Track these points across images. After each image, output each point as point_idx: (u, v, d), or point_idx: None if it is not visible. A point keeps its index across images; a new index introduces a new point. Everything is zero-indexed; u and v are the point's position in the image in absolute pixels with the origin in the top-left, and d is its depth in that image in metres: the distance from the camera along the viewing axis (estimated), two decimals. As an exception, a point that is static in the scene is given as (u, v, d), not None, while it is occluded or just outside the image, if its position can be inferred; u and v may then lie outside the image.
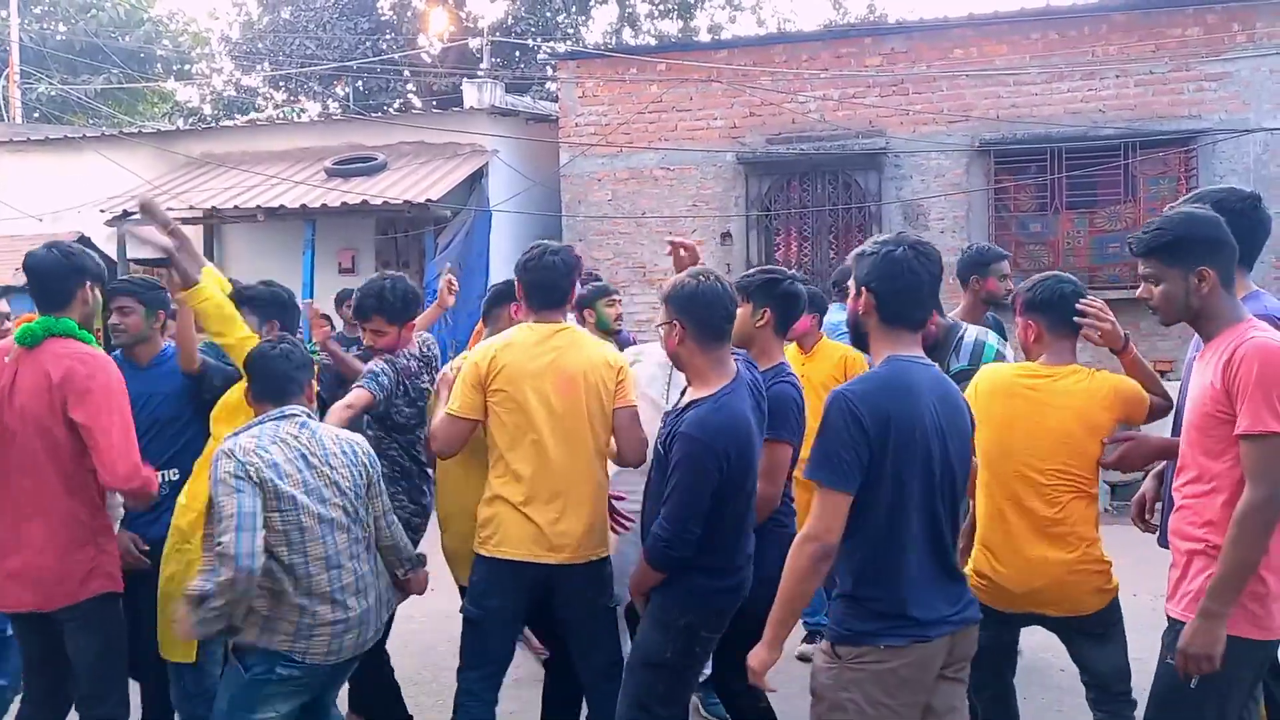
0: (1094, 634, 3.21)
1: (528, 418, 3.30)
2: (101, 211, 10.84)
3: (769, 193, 10.64)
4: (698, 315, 3.00)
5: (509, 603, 3.36)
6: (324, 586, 2.96)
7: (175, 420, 3.66)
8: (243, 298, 3.82)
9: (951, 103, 10.01)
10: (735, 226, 10.65)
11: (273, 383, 3.09)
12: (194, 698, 3.46)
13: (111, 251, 10.69)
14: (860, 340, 2.68)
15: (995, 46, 9.96)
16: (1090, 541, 3.15)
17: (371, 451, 3.22)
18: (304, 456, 2.99)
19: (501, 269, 10.76)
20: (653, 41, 19.05)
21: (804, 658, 4.63)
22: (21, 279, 9.64)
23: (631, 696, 3.09)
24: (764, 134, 10.57)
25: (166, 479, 3.47)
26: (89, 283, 3.26)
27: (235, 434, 3.02)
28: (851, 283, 2.63)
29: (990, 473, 3.21)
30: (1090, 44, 9.69)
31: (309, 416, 3.10)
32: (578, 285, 3.64)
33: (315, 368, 3.42)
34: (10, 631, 3.41)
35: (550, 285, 3.43)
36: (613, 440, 3.42)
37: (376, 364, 3.88)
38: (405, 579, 3.32)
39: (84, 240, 11.22)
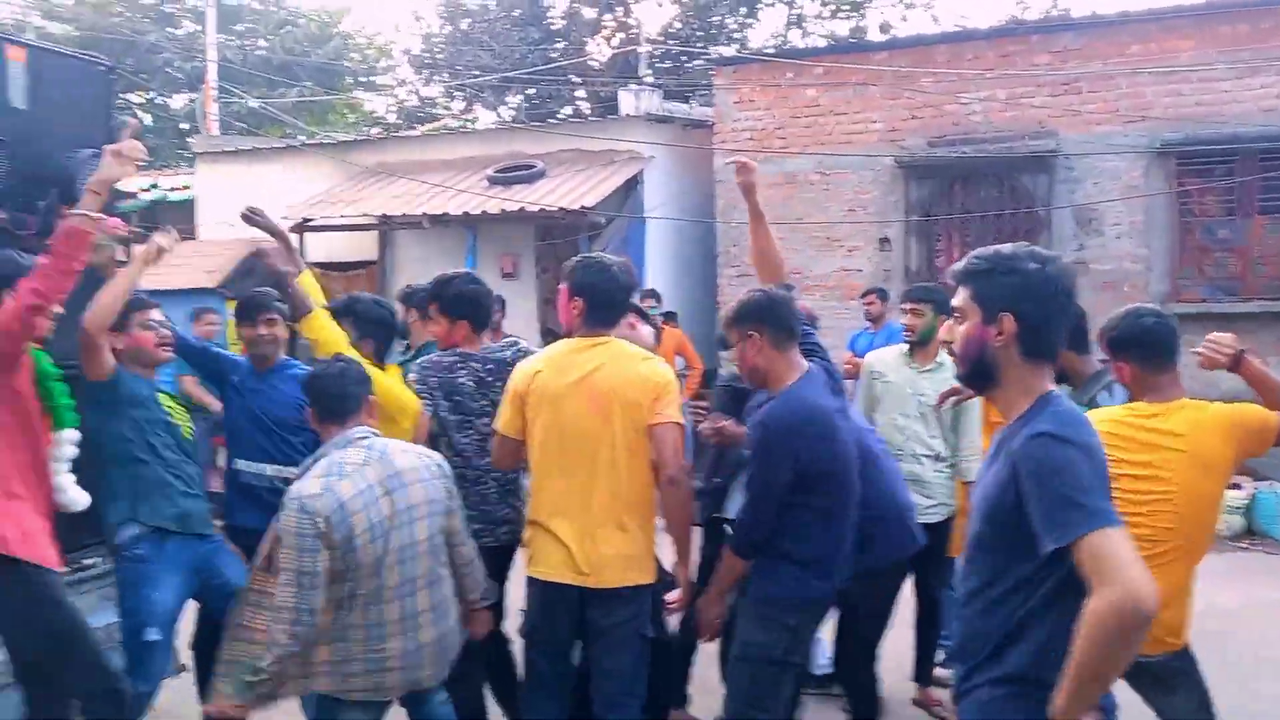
0: (1162, 681, 2.97)
1: (558, 437, 3.22)
2: (284, 219, 11.51)
3: (929, 197, 10.28)
4: (775, 321, 3.20)
5: (549, 623, 3.33)
6: (395, 616, 2.94)
7: (292, 422, 3.86)
8: (350, 309, 3.94)
9: (1129, 101, 9.41)
10: (894, 232, 10.34)
11: (330, 403, 3.04)
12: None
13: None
14: (981, 374, 2.15)
15: (1179, 41, 9.29)
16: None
17: (446, 466, 3.19)
18: (374, 486, 2.92)
19: (655, 275, 10.84)
20: (821, 43, 18.76)
21: (941, 683, 4.51)
22: (214, 281, 10.32)
23: (743, 695, 3.22)
24: (925, 136, 10.23)
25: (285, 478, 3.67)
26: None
27: (303, 474, 2.99)
28: (969, 302, 2.13)
29: None
30: (1286, 36, 8.92)
31: (374, 434, 3.06)
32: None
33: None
34: (154, 636, 3.54)
35: (608, 300, 3.31)
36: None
37: (415, 377, 3.80)
38: (473, 610, 3.27)
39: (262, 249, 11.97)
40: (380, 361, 3.98)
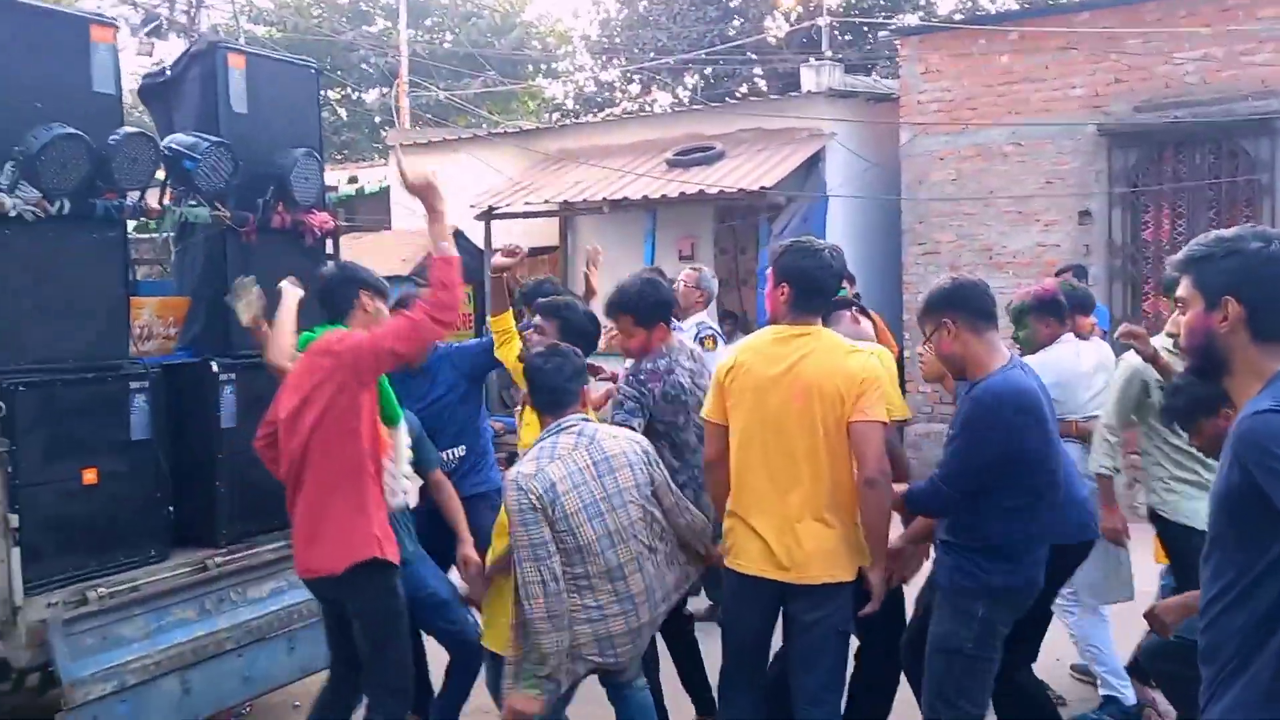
0: None
1: (758, 427, 3.19)
2: (471, 207, 11.90)
3: (1136, 166, 9.63)
4: (966, 305, 3.19)
5: (745, 615, 3.34)
6: (610, 596, 3.08)
7: (453, 404, 4.15)
8: (558, 313, 3.93)
9: (1371, 53, 8.53)
10: (1096, 204, 9.75)
11: (547, 395, 3.23)
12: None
13: (479, 242, 11.71)
14: (1211, 364, 2.06)
15: None
16: None
17: (651, 449, 3.30)
18: (583, 469, 3.08)
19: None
20: (1015, 6, 17.86)
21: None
22: (407, 269, 10.82)
23: (935, 687, 3.24)
24: (1131, 102, 9.57)
25: (454, 455, 3.92)
26: (367, 293, 3.58)
27: (521, 459, 3.18)
28: (1191, 290, 2.06)
29: None
30: None
31: (585, 421, 3.21)
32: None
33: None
34: None
35: (818, 287, 3.26)
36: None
37: (622, 391, 3.88)
38: (708, 553, 3.39)
39: (457, 234, 12.41)
40: None
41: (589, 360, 3.61)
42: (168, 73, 4.61)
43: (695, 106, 15.66)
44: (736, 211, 11.08)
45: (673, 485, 3.32)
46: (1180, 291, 2.10)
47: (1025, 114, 10.03)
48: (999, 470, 3.06)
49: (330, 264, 3.84)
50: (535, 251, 12.43)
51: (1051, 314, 4.35)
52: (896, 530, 3.45)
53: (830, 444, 3.15)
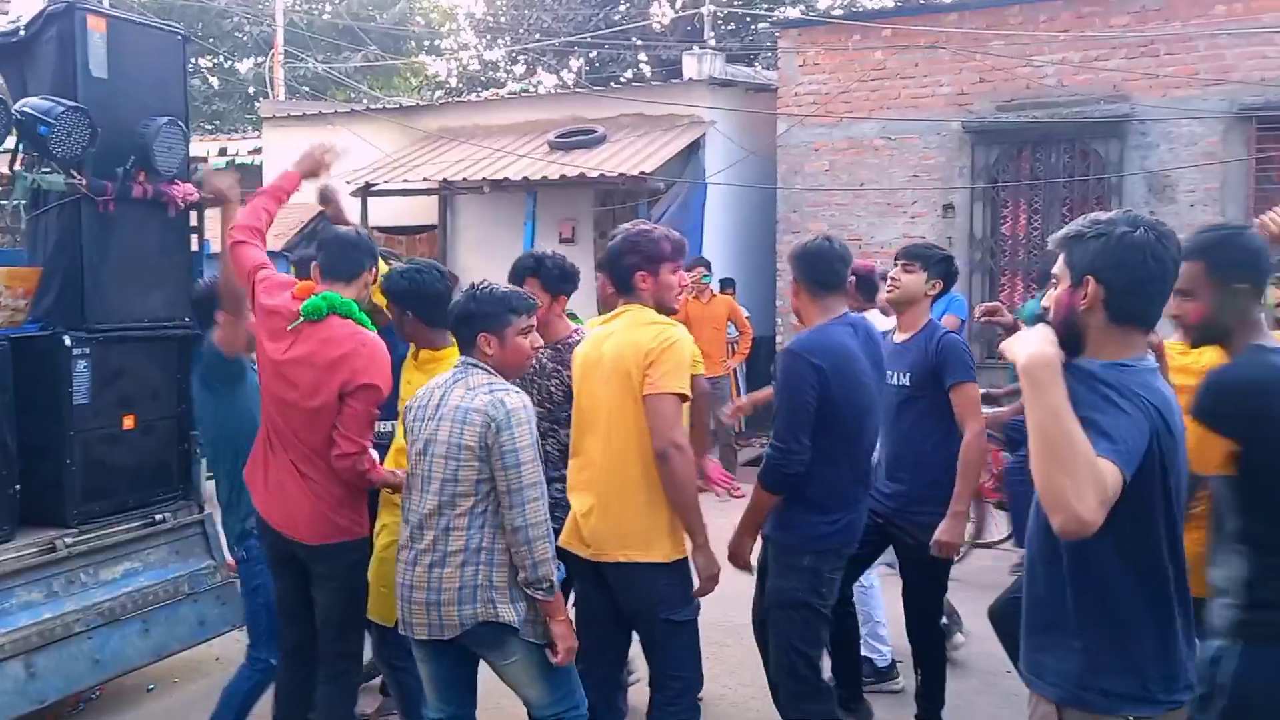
0: None
1: (579, 409, 3.25)
2: (347, 183, 11.66)
3: (997, 163, 10.08)
4: (806, 270, 3.42)
5: (582, 593, 3.32)
6: (403, 540, 3.02)
7: None
8: (539, 267, 3.84)
9: (1208, 64, 9.10)
10: (959, 198, 10.17)
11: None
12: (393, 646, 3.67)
13: (356, 219, 11.49)
14: (1072, 340, 2.16)
15: (1265, 1, 8.95)
16: None
17: (501, 422, 2.84)
18: (425, 407, 2.98)
19: (714, 241, 10.80)
20: (889, 4, 18.38)
21: None
22: (280, 243, 10.46)
23: (778, 640, 3.38)
24: (994, 101, 10.00)
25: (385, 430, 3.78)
26: (374, 267, 3.45)
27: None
28: (1062, 269, 2.16)
29: None
30: (1381, -7, 8.55)
31: (476, 366, 2.99)
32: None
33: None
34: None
35: (620, 273, 3.24)
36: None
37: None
38: (532, 594, 2.89)
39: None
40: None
41: None
42: (21, 33, 4.40)
43: (579, 90, 15.66)
44: (617, 195, 11.15)
45: (519, 488, 2.84)
46: (1055, 268, 2.18)
47: (896, 109, 10.38)
48: (814, 422, 3.22)
49: (349, 227, 3.62)
50: (413, 230, 12.28)
51: (861, 291, 4.54)
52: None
53: (630, 420, 3.07)
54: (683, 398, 3.07)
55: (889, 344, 3.87)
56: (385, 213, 12.04)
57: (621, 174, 10.23)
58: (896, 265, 4.00)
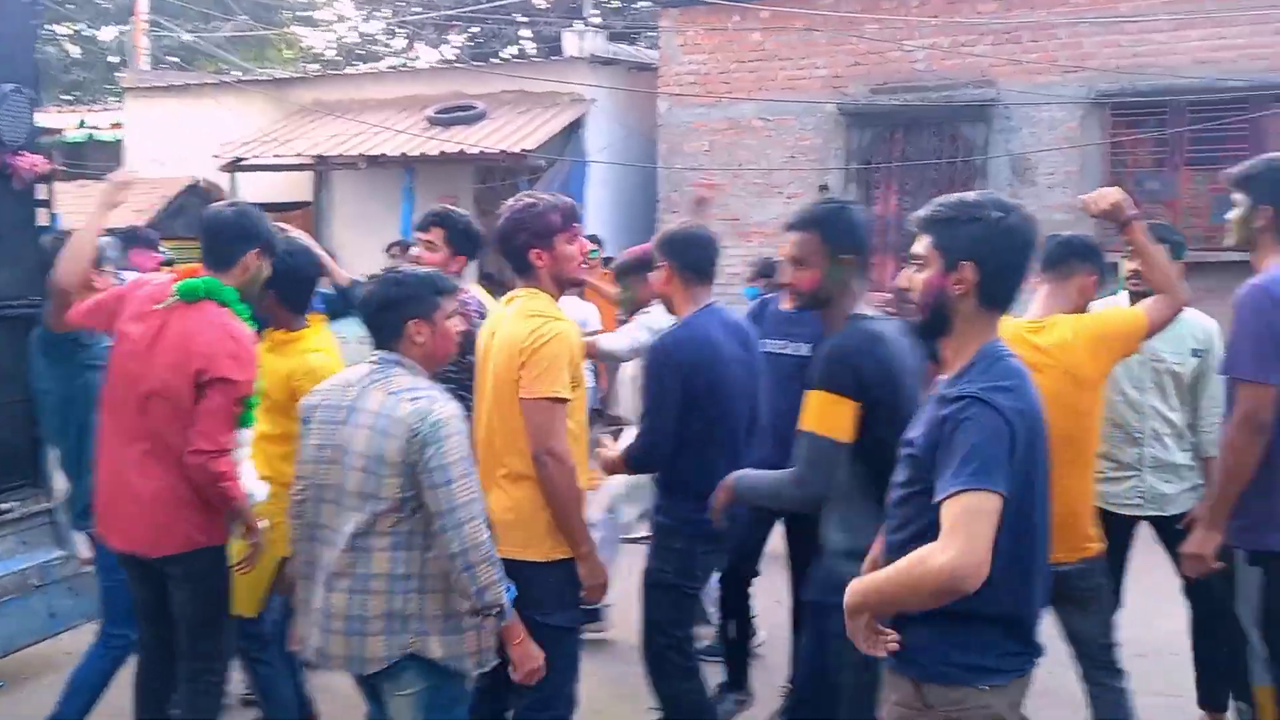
0: (1075, 599, 3.15)
1: (477, 391, 3.09)
2: (215, 157, 11.25)
3: (870, 145, 10.32)
4: (678, 256, 3.45)
5: None
6: (312, 561, 2.68)
7: None
8: (445, 220, 3.79)
9: (1068, 52, 9.49)
10: (834, 179, 10.37)
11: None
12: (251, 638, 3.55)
13: (226, 195, 11.11)
14: (937, 322, 2.16)
15: (1121, -9, 9.38)
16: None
17: (437, 424, 2.52)
18: (340, 407, 2.64)
19: (597, 220, 10.78)
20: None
21: None
22: (144, 220, 10.02)
23: (648, 620, 3.44)
24: (868, 84, 10.23)
25: None
26: (257, 250, 3.16)
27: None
28: (930, 251, 2.13)
29: None
30: (1224, -12, 9.03)
31: (394, 366, 2.67)
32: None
33: None
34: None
35: (508, 251, 3.09)
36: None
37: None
38: (475, 616, 2.61)
39: (195, 186, 11.71)
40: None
41: None
42: None
43: (459, 65, 15.42)
44: (497, 173, 11.05)
45: (450, 509, 2.52)
46: (918, 249, 2.15)
47: (773, 91, 10.52)
48: (680, 411, 3.27)
49: (225, 204, 3.33)
50: (286, 207, 11.93)
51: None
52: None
53: (506, 416, 2.92)
54: (559, 400, 2.87)
55: (779, 313, 3.89)
56: (256, 189, 11.63)
57: (502, 151, 10.14)
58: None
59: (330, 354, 3.45)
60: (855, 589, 2.10)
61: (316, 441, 2.65)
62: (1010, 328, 3.12)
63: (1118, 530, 3.51)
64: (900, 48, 10.03)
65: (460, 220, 3.79)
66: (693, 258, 3.45)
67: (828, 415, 2.59)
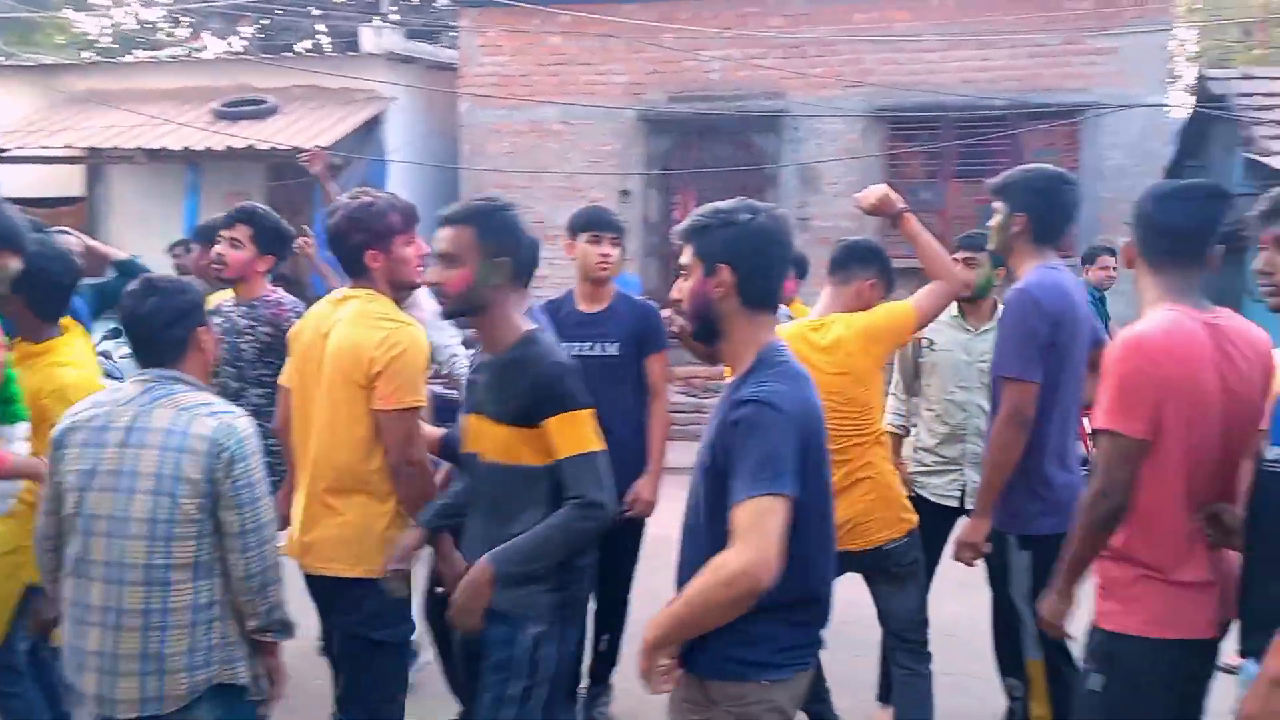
0: (895, 576, 3.31)
1: (298, 395, 2.91)
2: (-27, 147, 10.37)
3: (669, 151, 10.58)
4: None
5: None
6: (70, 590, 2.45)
7: None
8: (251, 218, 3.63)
9: (850, 67, 10.03)
10: (634, 184, 10.58)
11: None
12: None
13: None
14: (708, 328, 2.22)
15: (896, 12, 9.99)
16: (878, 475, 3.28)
17: (244, 439, 2.41)
18: (108, 429, 2.42)
19: (396, 220, 10.57)
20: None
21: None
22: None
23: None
24: (666, 91, 10.49)
25: None
26: (6, 251, 2.84)
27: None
28: (692, 260, 2.19)
29: None
30: (987, 14, 9.77)
31: (177, 383, 2.47)
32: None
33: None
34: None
35: (346, 248, 2.96)
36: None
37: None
38: (260, 639, 2.50)
39: None
40: None
41: None
42: None
43: (247, 57, 14.78)
44: (291, 170, 10.63)
45: (255, 527, 2.40)
46: (683, 259, 2.20)
47: (574, 95, 10.62)
48: None
49: None
50: (54, 202, 11.12)
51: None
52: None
53: (345, 425, 2.77)
54: (418, 408, 2.78)
55: (575, 314, 3.81)
56: (22, 182, 10.79)
57: (295, 147, 9.77)
58: (605, 240, 3.85)
59: (85, 368, 3.14)
60: (654, 624, 2.09)
61: (79, 468, 2.39)
62: (793, 328, 3.32)
63: (938, 521, 3.72)
64: (696, 58, 10.33)
65: (269, 218, 3.65)
66: (526, 261, 3.31)
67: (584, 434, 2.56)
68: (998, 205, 3.20)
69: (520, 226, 2.63)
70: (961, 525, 3.35)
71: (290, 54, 15.33)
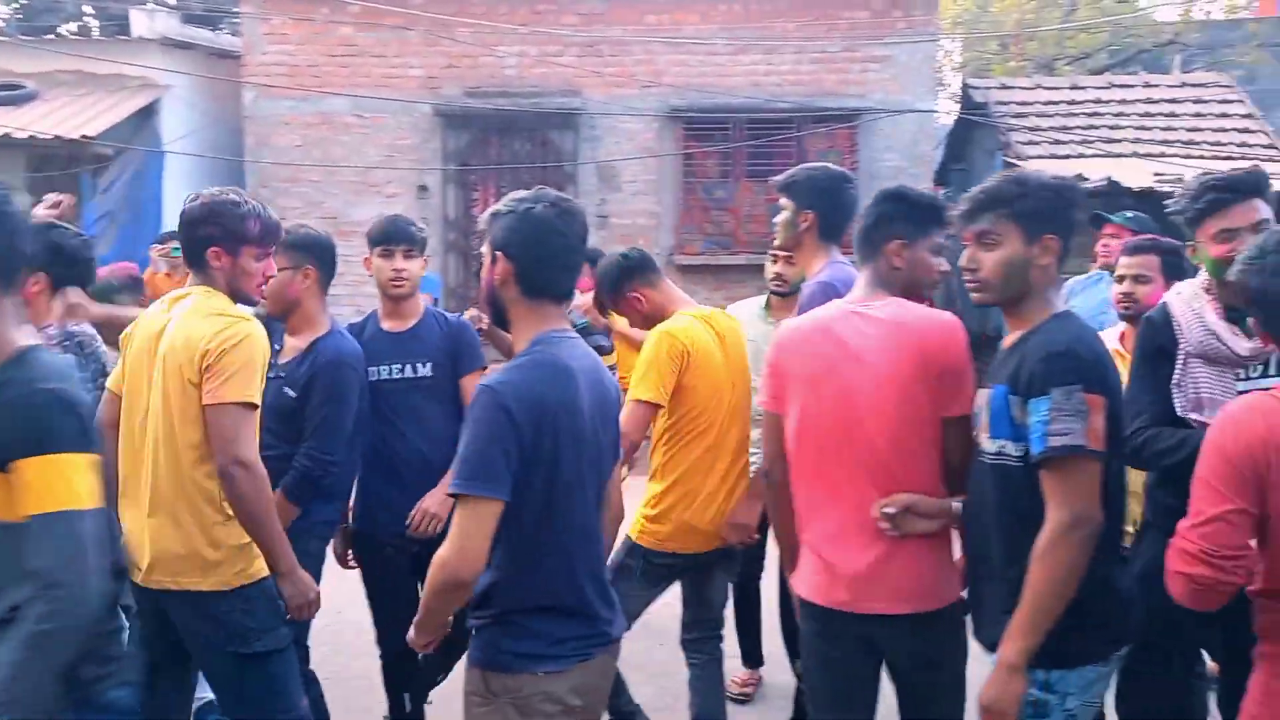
0: (718, 564, 3.50)
1: (128, 394, 2.79)
2: None
3: (467, 147, 10.48)
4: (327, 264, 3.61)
5: (143, 624, 2.78)
6: None
7: None
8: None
9: (644, 68, 10.22)
10: (433, 180, 10.42)
11: None
12: None
13: None
14: (498, 315, 2.33)
15: (686, 15, 10.24)
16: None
17: None
18: None
19: (177, 214, 9.99)
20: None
21: None
22: None
23: None
24: (462, 86, 10.37)
25: None
26: None
27: None
28: (486, 245, 2.29)
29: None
30: (771, 19, 10.16)
31: None
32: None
33: None
34: None
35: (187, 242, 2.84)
36: None
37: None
38: None
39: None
40: None
41: None
42: None
43: (3, 38, 13.60)
44: (55, 161, 9.88)
45: None
46: (484, 249, 2.30)
47: (367, 87, 10.34)
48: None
49: None
50: None
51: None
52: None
53: (178, 428, 2.66)
54: (250, 406, 2.66)
55: (380, 335, 3.66)
56: None
57: (58, 136, 9.11)
58: (397, 253, 3.66)
59: None
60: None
61: None
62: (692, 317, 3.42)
63: None
64: (492, 53, 10.28)
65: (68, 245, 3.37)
66: (331, 265, 3.52)
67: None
68: (785, 203, 3.32)
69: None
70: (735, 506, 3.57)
71: (54, 36, 14.24)
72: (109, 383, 2.93)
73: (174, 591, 2.68)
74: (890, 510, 2.36)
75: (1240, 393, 2.62)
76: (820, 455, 2.48)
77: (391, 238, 3.64)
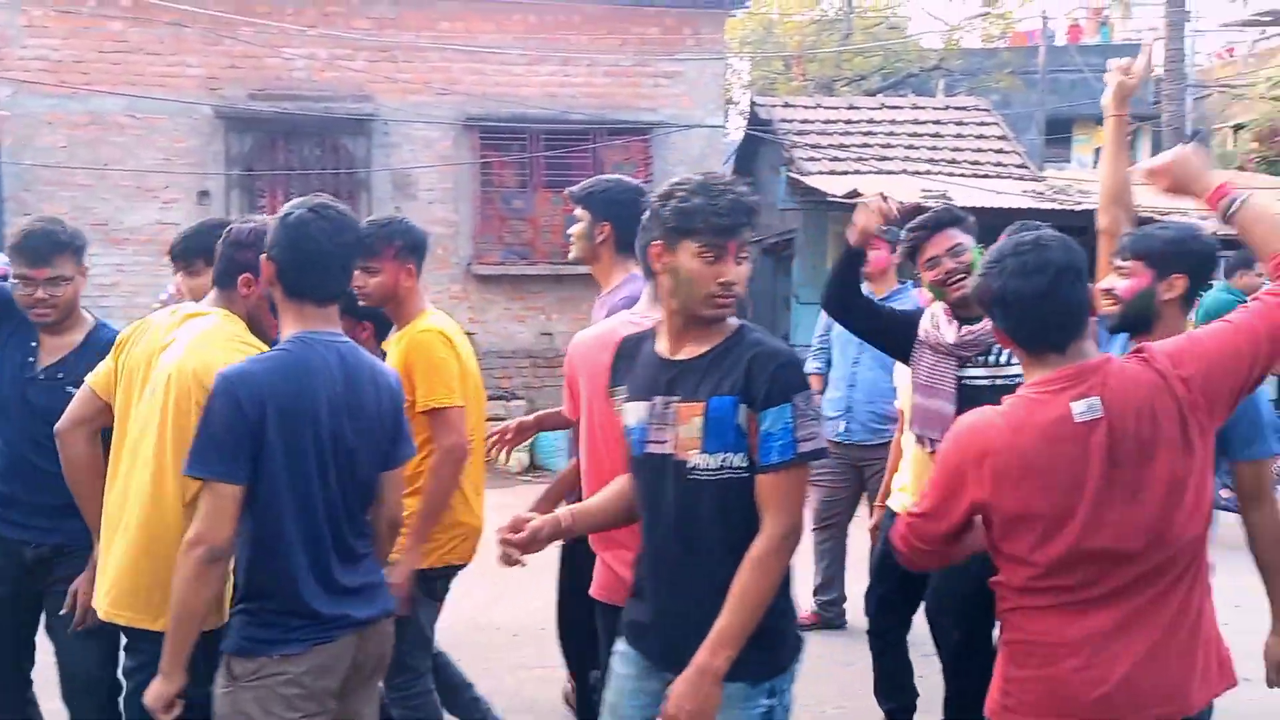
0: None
1: (119, 417, 2.68)
2: None
3: (252, 151, 10.08)
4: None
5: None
6: None
7: None
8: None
9: (439, 75, 10.14)
10: (214, 185, 9.95)
11: None
12: None
13: None
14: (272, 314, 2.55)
15: (481, 24, 10.24)
16: None
17: None
18: None
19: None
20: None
21: None
22: None
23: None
24: (245, 88, 9.96)
25: None
26: None
27: None
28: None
29: None
30: (565, 32, 10.31)
31: None
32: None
33: None
34: None
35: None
36: None
37: None
38: None
39: None
40: None
41: None
42: None
43: None
44: None
45: None
46: None
47: (142, 86, 9.77)
48: None
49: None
50: None
51: None
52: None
53: (168, 451, 2.53)
54: None
55: None
56: None
57: None
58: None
59: None
60: None
61: None
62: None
63: None
64: (279, 55, 9.93)
65: None
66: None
67: None
68: (581, 214, 3.24)
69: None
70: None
71: None
72: (90, 382, 2.77)
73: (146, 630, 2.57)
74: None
75: (967, 378, 3.16)
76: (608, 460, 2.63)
77: (176, 253, 3.37)
